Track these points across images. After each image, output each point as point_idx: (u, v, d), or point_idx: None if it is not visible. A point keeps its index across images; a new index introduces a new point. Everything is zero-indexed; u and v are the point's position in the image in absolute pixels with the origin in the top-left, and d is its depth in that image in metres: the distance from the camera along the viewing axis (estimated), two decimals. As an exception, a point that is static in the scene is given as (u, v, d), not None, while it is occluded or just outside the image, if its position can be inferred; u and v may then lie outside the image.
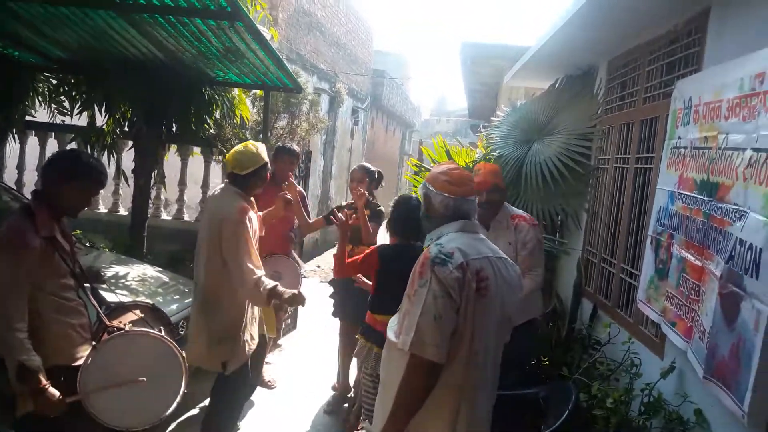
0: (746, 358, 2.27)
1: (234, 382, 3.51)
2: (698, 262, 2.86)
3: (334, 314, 4.91)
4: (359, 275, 3.94)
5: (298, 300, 3.25)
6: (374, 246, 3.69)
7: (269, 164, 3.58)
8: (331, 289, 5.03)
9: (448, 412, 2.16)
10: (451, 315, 2.08)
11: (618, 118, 4.73)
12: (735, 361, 2.36)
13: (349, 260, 3.66)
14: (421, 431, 2.17)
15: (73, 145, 6.59)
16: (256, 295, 3.21)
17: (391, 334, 2.35)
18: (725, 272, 2.51)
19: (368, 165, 4.95)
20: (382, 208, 4.67)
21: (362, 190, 4.39)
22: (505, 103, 8.70)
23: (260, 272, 3.25)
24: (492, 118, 6.67)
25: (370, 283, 3.75)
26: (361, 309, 3.85)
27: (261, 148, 3.50)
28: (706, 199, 2.85)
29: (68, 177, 2.58)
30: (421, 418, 2.14)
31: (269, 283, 3.21)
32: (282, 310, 5.59)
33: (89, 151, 6.10)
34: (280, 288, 3.22)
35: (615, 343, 3.94)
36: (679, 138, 3.29)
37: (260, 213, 3.75)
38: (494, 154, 5.95)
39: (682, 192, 3.17)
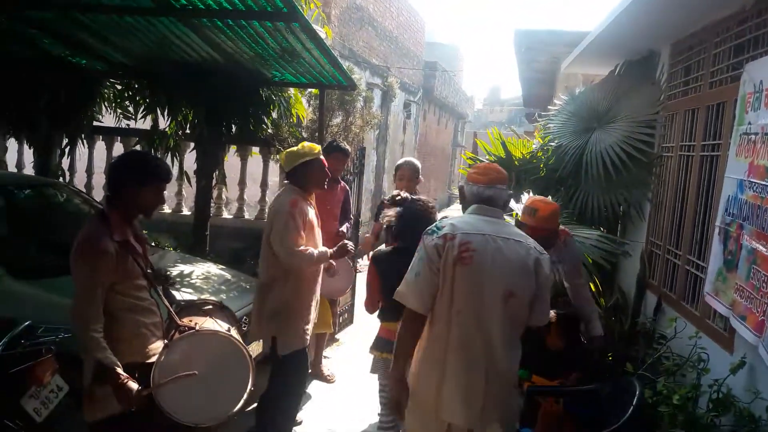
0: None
1: (287, 369, 3.74)
2: (771, 254, 2.75)
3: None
4: None
5: (345, 250, 3.90)
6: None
7: (319, 160, 3.77)
8: None
9: (436, 361, 2.51)
10: (429, 275, 2.46)
11: (682, 104, 4.56)
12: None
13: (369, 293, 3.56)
14: (420, 377, 2.56)
15: (137, 148, 6.85)
16: (309, 260, 3.64)
17: None
18: (801, 265, 2.41)
19: (416, 162, 4.94)
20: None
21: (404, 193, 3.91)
22: (562, 90, 8.50)
23: (306, 248, 3.64)
24: (549, 107, 6.54)
25: None
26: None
27: (308, 147, 3.76)
28: (779, 187, 2.72)
29: (141, 177, 2.64)
30: (419, 368, 2.57)
31: (317, 250, 3.72)
32: (337, 303, 5.64)
33: (153, 153, 6.33)
34: (329, 250, 3.81)
35: (681, 338, 3.81)
36: (749, 124, 3.16)
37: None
38: (552, 144, 5.84)
39: (752, 180, 3.04)
